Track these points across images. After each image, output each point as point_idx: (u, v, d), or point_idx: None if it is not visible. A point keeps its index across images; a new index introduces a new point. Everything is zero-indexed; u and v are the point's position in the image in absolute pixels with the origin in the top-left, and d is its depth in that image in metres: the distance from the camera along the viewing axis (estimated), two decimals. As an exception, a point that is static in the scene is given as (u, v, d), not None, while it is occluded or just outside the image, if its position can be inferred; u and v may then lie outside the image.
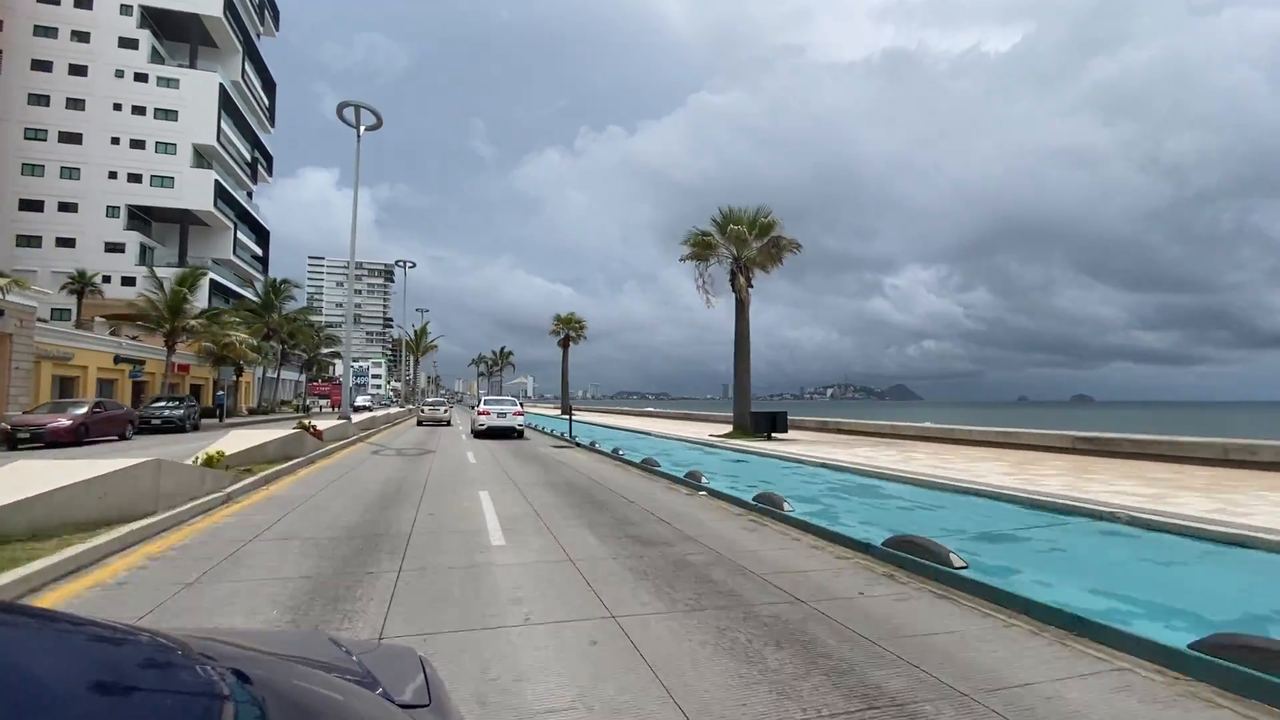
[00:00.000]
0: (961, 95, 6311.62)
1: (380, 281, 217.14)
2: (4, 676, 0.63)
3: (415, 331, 53.49)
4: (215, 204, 47.53)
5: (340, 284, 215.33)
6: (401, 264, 36.91)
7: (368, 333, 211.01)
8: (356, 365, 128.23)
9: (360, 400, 51.92)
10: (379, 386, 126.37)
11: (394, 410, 34.78)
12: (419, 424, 29.93)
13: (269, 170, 61.94)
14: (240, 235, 53.98)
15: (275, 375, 44.32)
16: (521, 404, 25.21)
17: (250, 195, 60.25)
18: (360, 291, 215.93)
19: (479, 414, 21.25)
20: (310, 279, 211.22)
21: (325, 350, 49.35)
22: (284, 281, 40.55)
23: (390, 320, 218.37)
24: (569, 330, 44.26)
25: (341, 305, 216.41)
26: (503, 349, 77.63)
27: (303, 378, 52.19)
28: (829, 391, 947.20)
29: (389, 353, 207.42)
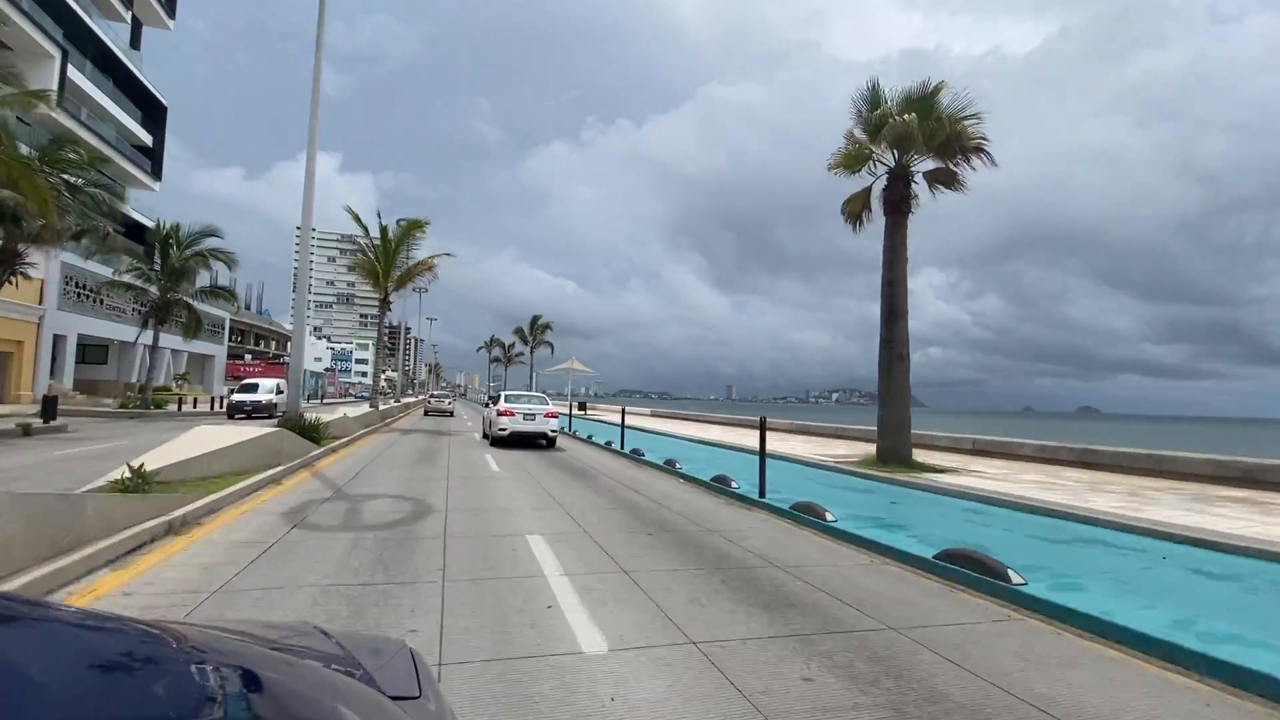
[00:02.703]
0: (985, 94, 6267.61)
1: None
2: None
3: (386, 228, 24.51)
4: (-8, -19, 23.55)
5: (332, 259, 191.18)
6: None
7: (361, 315, 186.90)
8: (338, 349, 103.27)
9: (241, 397, 24.23)
10: (364, 374, 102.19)
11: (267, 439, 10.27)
12: (425, 414, 32.87)
13: (170, 9, 38.07)
14: (88, 87, 30.22)
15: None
16: (585, 404, 23.71)
17: (135, 44, 36.52)
18: (353, 269, 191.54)
19: (499, 414, 15.85)
20: (298, 252, 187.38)
21: (202, 288, 24.14)
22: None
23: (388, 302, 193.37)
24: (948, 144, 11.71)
25: (333, 284, 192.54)
26: (536, 319, 52.91)
27: (183, 347, 27.76)
28: (834, 396, 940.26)
29: (386, 342, 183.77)
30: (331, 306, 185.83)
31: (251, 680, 0.79)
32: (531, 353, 50.99)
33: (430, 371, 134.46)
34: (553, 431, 16.08)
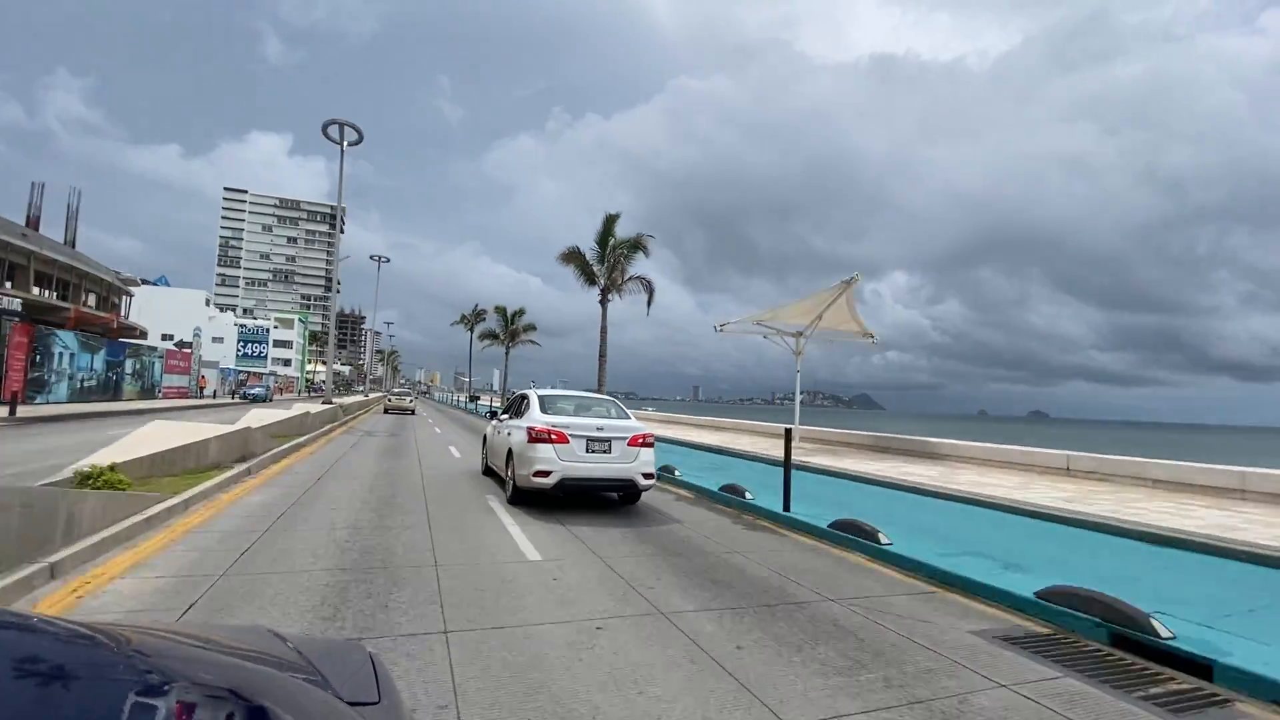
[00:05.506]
0: (952, 98, 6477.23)
1: (324, 229, 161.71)
2: None
3: None
4: None
5: (268, 228, 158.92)
6: None
7: (303, 295, 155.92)
8: (250, 325, 73.78)
9: None
10: (288, 363, 73.65)
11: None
12: (385, 411, 31.99)
13: None
14: None
15: None
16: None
17: None
18: (295, 240, 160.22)
19: (535, 438, 7.43)
20: (225, 218, 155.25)
21: None
22: None
23: (337, 282, 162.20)
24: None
25: (269, 256, 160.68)
26: (612, 221, 22.89)
27: None
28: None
29: (331, 327, 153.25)
30: (266, 285, 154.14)
31: (197, 686, 0.75)
32: (603, 301, 23.69)
33: (385, 361, 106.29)
34: (646, 477, 7.74)
